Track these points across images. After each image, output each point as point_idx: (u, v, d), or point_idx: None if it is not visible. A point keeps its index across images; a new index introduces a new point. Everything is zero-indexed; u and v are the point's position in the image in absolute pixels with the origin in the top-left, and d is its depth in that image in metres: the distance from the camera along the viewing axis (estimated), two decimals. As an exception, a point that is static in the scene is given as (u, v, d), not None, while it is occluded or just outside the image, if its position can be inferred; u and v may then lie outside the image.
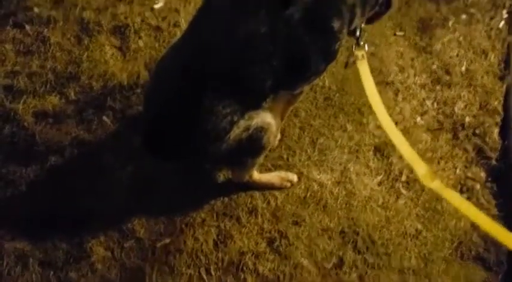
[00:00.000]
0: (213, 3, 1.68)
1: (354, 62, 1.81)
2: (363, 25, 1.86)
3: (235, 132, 1.66)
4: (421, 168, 1.54)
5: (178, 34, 2.47)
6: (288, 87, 1.80)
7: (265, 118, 1.73)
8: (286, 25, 1.57)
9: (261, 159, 1.93)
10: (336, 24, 1.64)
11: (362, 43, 1.83)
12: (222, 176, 2.14)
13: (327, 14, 1.63)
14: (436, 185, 1.50)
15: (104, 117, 2.26)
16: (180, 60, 1.68)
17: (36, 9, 2.57)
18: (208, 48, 1.59)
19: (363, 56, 1.81)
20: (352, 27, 1.76)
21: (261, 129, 1.72)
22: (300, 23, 1.58)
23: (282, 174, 2.15)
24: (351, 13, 1.69)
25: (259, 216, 2.08)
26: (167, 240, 2.04)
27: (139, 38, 2.50)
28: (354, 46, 1.83)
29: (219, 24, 1.60)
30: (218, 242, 2.04)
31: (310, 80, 1.84)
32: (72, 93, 2.33)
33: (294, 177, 2.15)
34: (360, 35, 1.84)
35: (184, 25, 2.52)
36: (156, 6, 2.61)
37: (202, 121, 1.61)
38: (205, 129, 1.62)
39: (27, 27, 2.52)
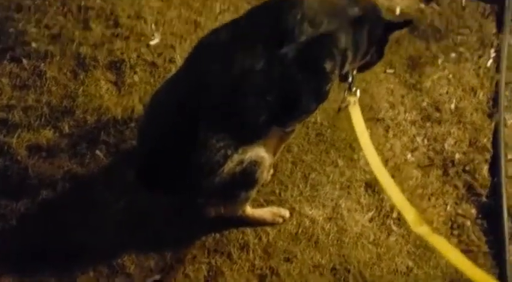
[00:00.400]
0: (212, 38, 1.74)
1: (346, 107, 1.88)
2: (354, 72, 1.93)
3: (229, 166, 1.67)
4: (409, 213, 1.56)
5: (174, 70, 2.51)
6: (280, 124, 1.83)
7: (259, 152, 1.75)
8: (281, 63, 1.62)
9: (254, 194, 1.94)
10: (328, 66, 1.70)
11: (354, 89, 1.90)
12: (213, 211, 2.15)
13: (319, 55, 1.69)
14: (423, 230, 1.52)
15: (97, 151, 2.28)
16: (175, 93, 1.71)
17: (34, 44, 2.62)
18: (204, 82, 1.63)
19: (354, 102, 1.88)
20: (344, 70, 1.82)
21: (255, 163, 1.74)
22: (293, 62, 1.63)
23: (274, 209, 2.16)
24: (343, 56, 1.75)
25: (251, 252, 2.08)
26: (157, 277, 2.02)
27: (135, 73, 2.54)
28: (346, 91, 1.91)
29: (216, 59, 1.64)
30: (209, 279, 2.03)
31: (301, 119, 1.88)
32: (67, 127, 2.35)
33: (286, 213, 2.16)
34: (352, 81, 1.91)
35: (179, 61, 2.56)
36: (152, 43, 2.66)
37: (197, 155, 1.62)
38: (199, 163, 1.64)
39: (25, 61, 2.56)
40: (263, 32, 1.66)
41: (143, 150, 1.81)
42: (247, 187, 1.85)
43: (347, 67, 1.83)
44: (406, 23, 2.02)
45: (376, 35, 1.90)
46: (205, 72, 1.65)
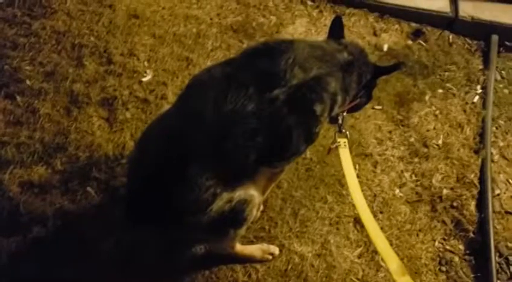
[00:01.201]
0: (205, 76, 1.77)
1: (336, 148, 1.93)
2: (344, 114, 1.99)
3: (218, 204, 1.68)
4: (392, 263, 1.59)
5: (166, 106, 2.56)
6: (270, 164, 1.86)
7: (248, 191, 1.77)
8: (272, 105, 1.65)
9: (243, 231, 1.95)
10: (318, 108, 1.74)
11: (344, 131, 1.96)
12: (202, 248, 2.16)
13: (309, 98, 1.72)
14: (406, 280, 1.55)
15: (89, 188, 2.30)
16: (166, 130, 1.73)
17: (28, 82, 2.66)
18: (195, 121, 1.66)
19: (345, 143, 1.93)
20: (334, 113, 1.86)
21: (244, 202, 1.75)
22: (284, 105, 1.66)
23: (264, 247, 2.17)
24: (332, 100, 1.79)
25: (240, 290, 2.09)
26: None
27: (127, 109, 2.58)
28: (336, 133, 1.96)
29: (208, 98, 1.66)
30: (199, 316, 2.03)
31: (290, 160, 1.91)
32: (59, 164, 2.37)
33: (276, 250, 2.17)
34: (341, 123, 1.97)
35: (171, 98, 2.61)
36: (144, 79, 2.72)
37: (185, 193, 1.64)
38: (187, 201, 1.65)
39: (18, 98, 2.60)
40: (255, 74, 1.69)
41: (132, 186, 1.83)
42: (236, 225, 1.86)
43: (336, 110, 1.87)
44: (394, 67, 2.09)
45: (364, 78, 1.96)
46: (197, 111, 1.67)
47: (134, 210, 1.78)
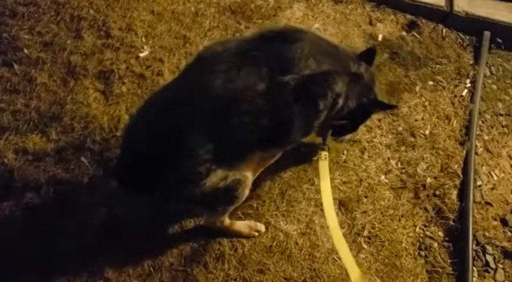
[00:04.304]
0: (219, 49, 1.75)
1: (317, 160, 2.03)
2: (330, 131, 2.11)
3: (212, 180, 1.71)
4: (353, 272, 1.74)
5: (162, 83, 2.60)
6: (264, 148, 1.87)
7: (242, 171, 1.82)
8: (281, 90, 1.67)
9: (232, 208, 2.02)
10: (321, 104, 1.77)
11: (326, 145, 2.07)
12: (192, 221, 2.22)
13: (317, 91, 1.76)
14: None
15: (82, 158, 2.34)
16: (171, 97, 1.72)
17: (26, 50, 2.69)
18: (204, 92, 1.64)
19: (325, 156, 2.02)
20: (330, 115, 1.88)
21: (238, 182, 1.80)
22: (292, 92, 1.68)
23: (251, 223, 2.24)
24: (334, 101, 1.82)
25: (226, 263, 2.15)
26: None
27: (123, 84, 2.62)
28: (319, 146, 2.07)
29: (219, 71, 1.65)
30: (184, 287, 2.10)
31: (284, 147, 1.96)
32: (54, 133, 2.41)
33: (262, 228, 2.24)
34: (325, 137, 2.10)
35: (167, 75, 2.65)
36: (142, 55, 2.75)
37: (181, 162, 1.64)
38: (182, 170, 1.66)
39: (16, 66, 2.63)
40: (271, 56, 1.70)
41: (128, 146, 1.81)
42: (227, 202, 1.92)
43: (333, 114, 1.89)
44: (391, 106, 2.23)
45: (364, 101, 2.00)
46: (205, 82, 1.66)
47: (126, 169, 1.76)
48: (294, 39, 1.75)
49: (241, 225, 2.22)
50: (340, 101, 1.85)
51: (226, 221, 2.14)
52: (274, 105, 1.67)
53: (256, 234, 2.23)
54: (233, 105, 1.64)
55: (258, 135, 1.71)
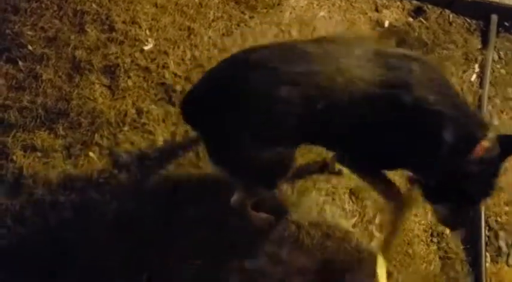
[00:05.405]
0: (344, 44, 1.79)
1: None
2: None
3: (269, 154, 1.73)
4: None
5: (167, 75, 2.59)
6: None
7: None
8: (400, 107, 1.63)
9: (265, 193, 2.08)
10: (448, 136, 1.64)
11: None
12: (201, 213, 2.21)
13: (436, 122, 1.65)
14: None
15: (91, 153, 2.34)
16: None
17: (30, 47, 2.67)
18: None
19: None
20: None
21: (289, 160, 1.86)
22: (411, 113, 1.63)
23: (269, 217, 2.22)
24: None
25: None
26: (144, 276, 2.08)
27: (129, 77, 2.60)
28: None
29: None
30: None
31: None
32: (61, 129, 2.40)
33: (274, 221, 2.22)
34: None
35: (173, 67, 2.63)
36: (146, 48, 2.72)
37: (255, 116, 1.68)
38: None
39: (21, 63, 2.62)
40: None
41: (202, 85, 1.83)
42: (279, 174, 1.93)
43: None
44: None
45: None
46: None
47: (194, 102, 1.81)
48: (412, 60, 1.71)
49: (255, 216, 2.19)
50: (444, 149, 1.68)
51: (250, 206, 2.13)
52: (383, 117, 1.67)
53: (268, 227, 2.21)
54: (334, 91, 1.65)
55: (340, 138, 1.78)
